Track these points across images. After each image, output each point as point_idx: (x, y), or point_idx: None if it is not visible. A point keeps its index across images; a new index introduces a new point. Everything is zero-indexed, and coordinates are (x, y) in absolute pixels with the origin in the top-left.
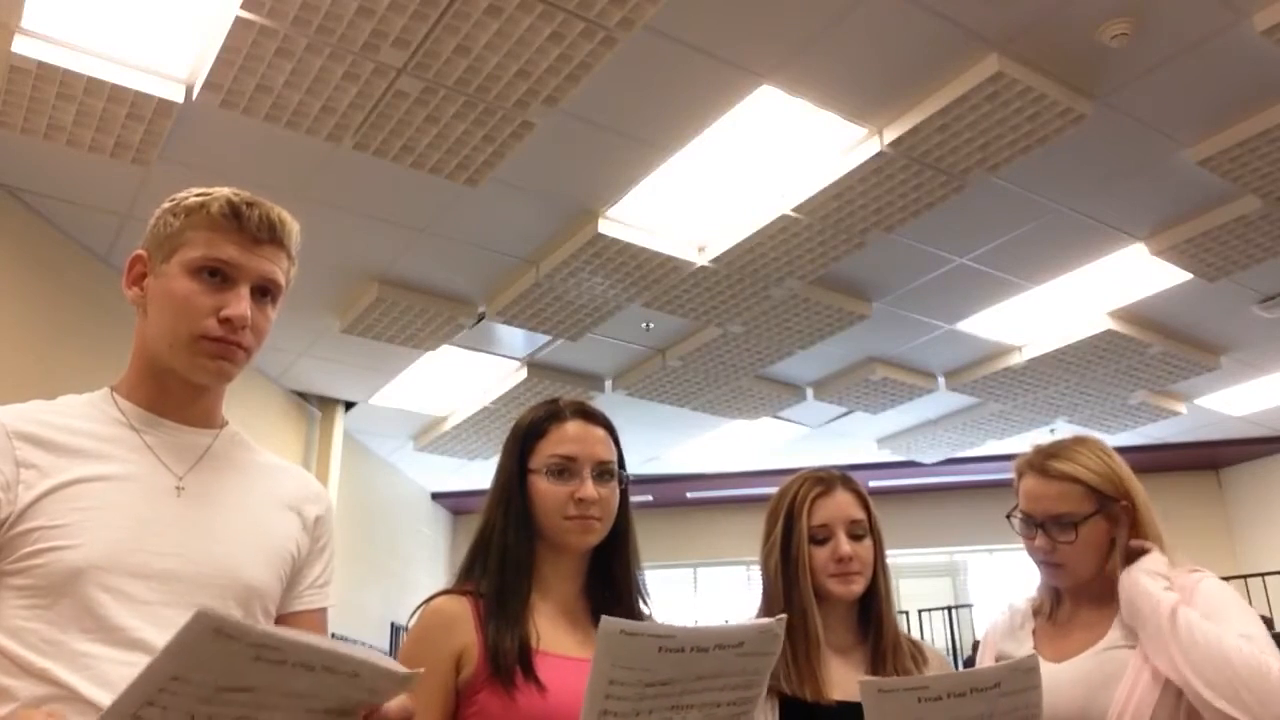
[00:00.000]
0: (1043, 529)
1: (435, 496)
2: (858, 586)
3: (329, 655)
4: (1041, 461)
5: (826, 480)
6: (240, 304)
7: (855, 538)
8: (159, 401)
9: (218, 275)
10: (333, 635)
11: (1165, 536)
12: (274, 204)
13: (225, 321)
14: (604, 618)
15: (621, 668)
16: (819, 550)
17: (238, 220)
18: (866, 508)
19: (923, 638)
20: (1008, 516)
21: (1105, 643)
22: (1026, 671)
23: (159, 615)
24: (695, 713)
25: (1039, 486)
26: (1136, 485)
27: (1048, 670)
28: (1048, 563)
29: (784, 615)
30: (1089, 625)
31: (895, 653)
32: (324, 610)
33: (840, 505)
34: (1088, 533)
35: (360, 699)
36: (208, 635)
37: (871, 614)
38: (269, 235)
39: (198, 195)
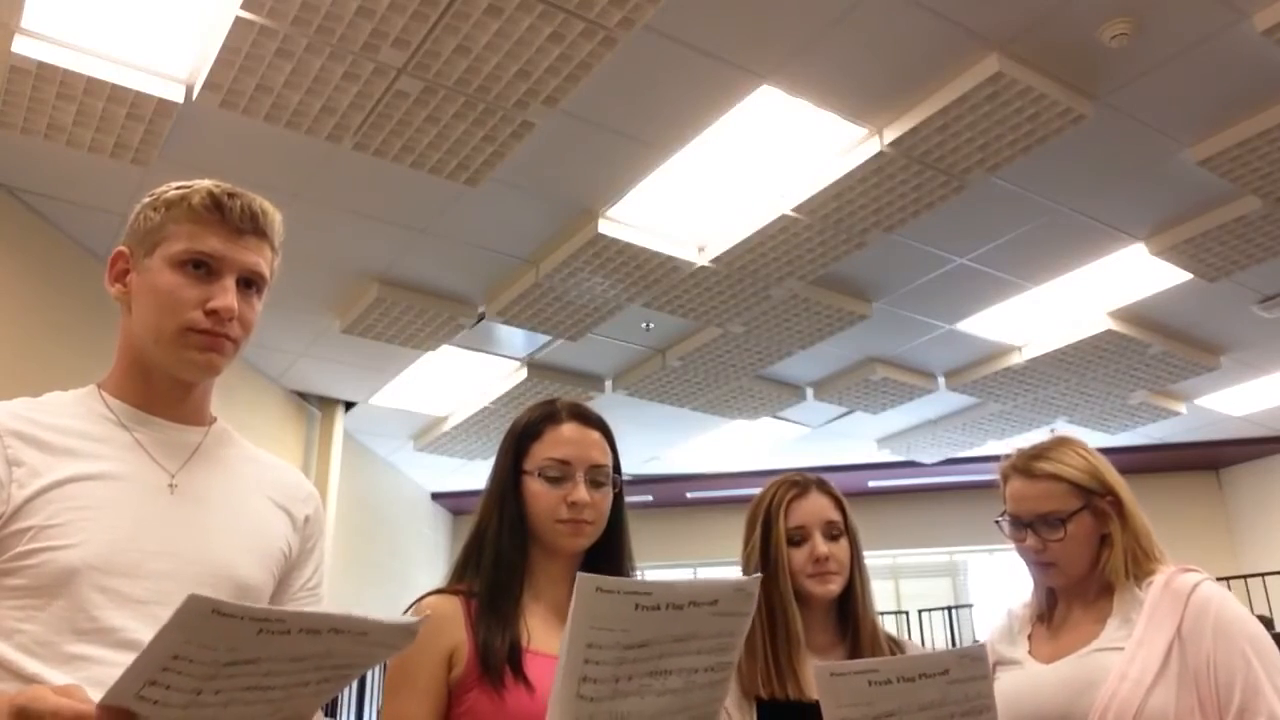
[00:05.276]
0: (1031, 529)
1: (435, 496)
2: (835, 586)
3: (334, 619)
4: (1025, 463)
5: (802, 484)
6: (226, 295)
7: (831, 538)
8: (147, 398)
9: (202, 267)
10: None
11: (1158, 532)
12: (256, 195)
13: (212, 313)
14: (579, 574)
15: (599, 629)
16: (796, 552)
17: (220, 212)
18: (842, 509)
19: (923, 638)
20: (997, 520)
21: (1093, 645)
22: (975, 660)
23: (153, 615)
24: (675, 678)
25: (1024, 487)
26: (1120, 481)
27: (1035, 672)
28: (1039, 562)
29: (759, 575)
30: (1079, 627)
31: (874, 650)
32: None
33: (816, 507)
34: (1075, 529)
35: (371, 654)
36: (205, 616)
37: (850, 614)
38: (251, 226)
39: (178, 188)
